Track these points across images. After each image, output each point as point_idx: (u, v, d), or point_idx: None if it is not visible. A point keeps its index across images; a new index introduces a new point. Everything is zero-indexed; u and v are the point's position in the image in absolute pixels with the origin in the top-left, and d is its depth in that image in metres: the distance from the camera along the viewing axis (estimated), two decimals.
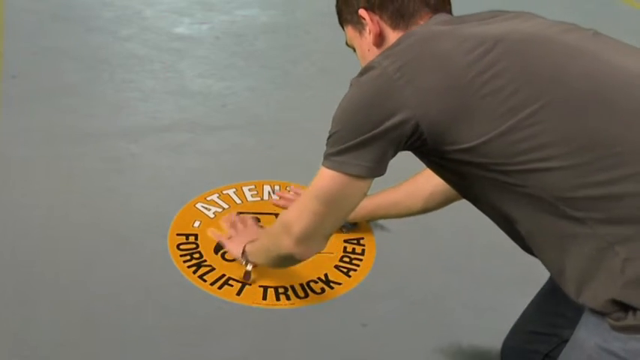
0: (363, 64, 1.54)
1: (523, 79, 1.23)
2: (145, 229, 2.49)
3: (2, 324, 2.07)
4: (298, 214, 1.60)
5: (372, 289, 2.33)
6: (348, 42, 1.63)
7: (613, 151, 1.20)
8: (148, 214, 2.55)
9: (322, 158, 1.47)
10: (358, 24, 1.53)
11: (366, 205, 2.34)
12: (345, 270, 2.37)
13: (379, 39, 1.48)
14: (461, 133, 1.26)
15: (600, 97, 1.23)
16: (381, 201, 2.33)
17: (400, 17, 1.45)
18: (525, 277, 2.18)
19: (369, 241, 2.50)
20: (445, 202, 2.13)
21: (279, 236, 1.69)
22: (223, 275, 2.31)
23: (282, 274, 2.32)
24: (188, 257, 2.38)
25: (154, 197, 2.67)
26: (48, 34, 3.94)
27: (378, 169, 1.40)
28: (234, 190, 2.74)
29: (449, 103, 1.26)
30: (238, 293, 2.24)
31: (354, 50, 1.62)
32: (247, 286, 2.26)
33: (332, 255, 2.42)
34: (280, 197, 2.64)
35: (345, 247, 2.46)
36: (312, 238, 1.62)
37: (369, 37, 1.50)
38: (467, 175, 1.35)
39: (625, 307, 1.23)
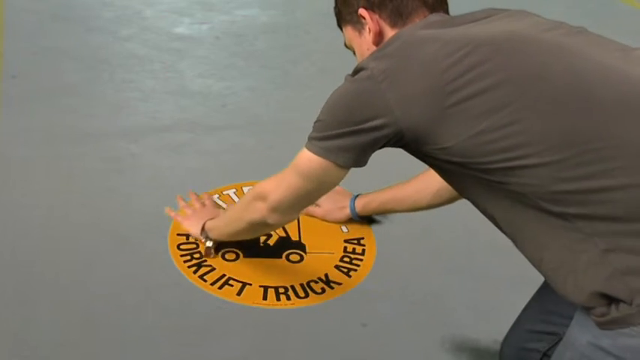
0: None
1: (503, 80, 1.25)
2: (145, 229, 2.49)
3: (2, 324, 2.07)
4: (276, 185, 1.75)
5: (373, 289, 2.33)
6: (347, 43, 1.65)
7: (592, 147, 1.22)
8: (148, 214, 2.55)
9: (307, 139, 1.58)
10: (357, 24, 1.54)
11: (375, 200, 2.39)
12: (345, 270, 2.37)
13: (379, 38, 1.50)
14: (439, 135, 1.30)
15: (580, 93, 1.25)
16: (390, 196, 2.37)
17: (398, 16, 1.48)
18: (525, 277, 2.17)
19: (370, 241, 2.50)
20: (451, 198, 2.14)
21: (253, 203, 1.85)
22: (224, 275, 2.31)
23: (283, 274, 2.33)
24: (188, 257, 2.38)
25: (154, 197, 2.67)
26: (48, 34, 3.94)
27: (357, 161, 1.49)
28: (234, 190, 2.74)
29: (428, 107, 1.29)
30: (238, 293, 2.24)
31: (354, 52, 1.63)
32: (248, 286, 2.26)
33: (332, 255, 2.42)
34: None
35: (345, 247, 2.46)
36: (286, 209, 1.78)
37: (368, 36, 1.52)
38: (449, 172, 1.39)
39: (608, 301, 1.24)
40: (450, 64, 1.27)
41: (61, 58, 3.69)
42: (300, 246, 2.46)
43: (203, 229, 2.28)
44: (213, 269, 2.33)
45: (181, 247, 2.42)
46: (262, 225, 1.89)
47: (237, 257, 2.39)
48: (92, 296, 2.20)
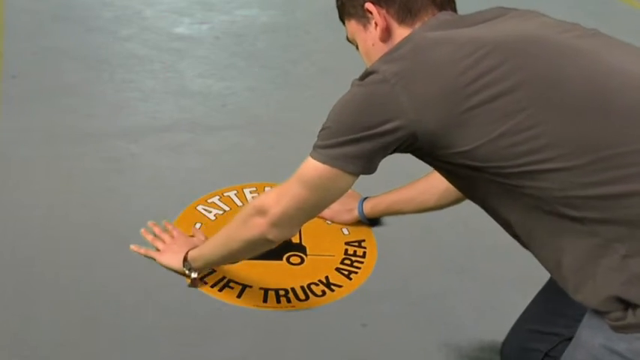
0: (366, 58, 1.53)
1: (520, 83, 1.24)
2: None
3: (2, 324, 2.07)
4: (278, 197, 1.64)
5: (373, 289, 2.33)
6: (349, 37, 1.62)
7: (611, 152, 1.20)
8: (148, 214, 2.55)
9: (311, 147, 1.51)
10: (363, 18, 1.52)
11: (383, 201, 2.38)
12: (346, 272, 2.37)
13: (385, 33, 1.47)
14: (456, 139, 1.28)
15: (599, 98, 1.23)
16: (397, 197, 2.36)
17: (407, 12, 1.45)
18: (525, 277, 2.17)
19: (371, 244, 2.50)
20: (458, 199, 2.12)
21: (250, 219, 1.71)
22: (224, 277, 2.31)
23: (283, 277, 2.32)
24: None
25: (154, 197, 2.67)
26: (48, 34, 3.94)
27: (366, 167, 1.44)
28: (235, 192, 2.74)
29: (444, 110, 1.27)
30: (239, 295, 2.24)
31: (357, 46, 1.60)
32: (248, 288, 2.26)
33: (333, 257, 2.42)
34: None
35: (346, 250, 2.46)
36: (287, 223, 1.66)
37: (374, 31, 1.49)
38: (462, 177, 1.36)
39: (625, 305, 1.23)
40: (466, 66, 1.25)
41: (61, 58, 3.69)
42: (300, 248, 2.46)
43: (185, 260, 2.14)
44: (214, 271, 2.33)
45: None
46: (262, 242, 1.75)
47: None
48: (92, 296, 2.20)
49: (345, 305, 2.26)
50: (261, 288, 2.27)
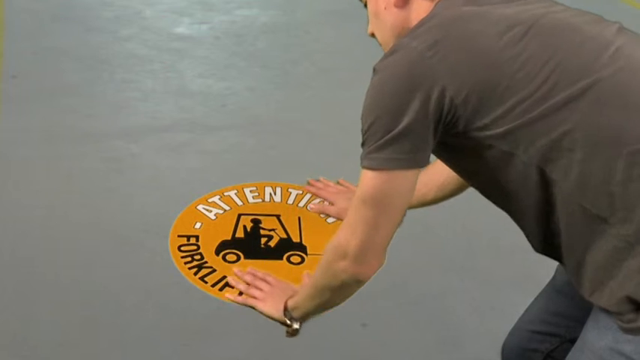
0: (374, 21, 1.42)
1: (554, 68, 1.20)
2: (145, 229, 2.49)
3: (2, 324, 2.07)
4: (350, 231, 1.46)
5: (373, 289, 2.32)
6: None
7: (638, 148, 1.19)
8: (148, 215, 2.55)
9: (361, 160, 1.36)
10: None
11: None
12: None
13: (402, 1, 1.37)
14: (493, 114, 1.23)
15: (627, 92, 1.22)
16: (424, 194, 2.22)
17: None
18: (525, 277, 2.18)
19: None
20: (456, 189, 2.05)
21: (333, 264, 1.54)
22: (224, 277, 2.31)
23: (284, 276, 2.32)
24: (189, 259, 2.38)
25: (154, 197, 2.67)
26: (48, 34, 3.95)
27: (421, 158, 1.31)
28: (235, 191, 2.73)
29: (483, 82, 1.22)
30: (239, 295, 2.23)
31: (365, 4, 1.49)
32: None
33: None
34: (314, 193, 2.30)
35: None
36: (371, 252, 1.47)
37: None
38: (485, 161, 1.31)
39: (637, 307, 1.22)
40: (505, 44, 1.22)
41: (61, 58, 3.69)
42: (301, 247, 2.45)
43: (285, 309, 1.93)
44: (214, 271, 2.32)
45: (182, 248, 2.42)
46: (354, 284, 1.56)
47: (238, 259, 2.38)
48: (92, 296, 2.20)
49: (345, 305, 2.25)
50: None
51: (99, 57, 3.75)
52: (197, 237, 2.47)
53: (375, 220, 1.42)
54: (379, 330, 2.17)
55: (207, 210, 2.61)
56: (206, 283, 2.27)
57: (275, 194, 2.72)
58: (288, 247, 2.44)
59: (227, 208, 2.64)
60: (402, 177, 1.34)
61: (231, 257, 2.38)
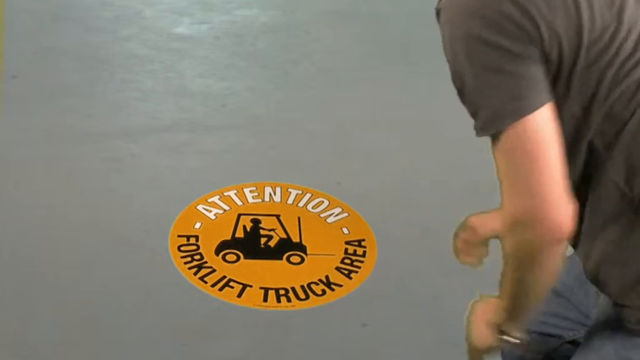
0: None
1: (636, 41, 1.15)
2: (145, 229, 2.49)
3: (2, 324, 2.07)
4: (507, 199, 1.24)
5: (373, 289, 2.33)
6: None
7: None
8: (148, 215, 2.55)
9: (478, 131, 1.23)
10: None
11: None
12: (346, 272, 2.37)
13: None
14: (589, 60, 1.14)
15: None
16: None
17: None
18: None
19: (371, 243, 2.50)
20: None
21: (519, 243, 1.31)
22: (224, 277, 2.31)
23: (283, 276, 2.32)
24: (189, 259, 2.38)
25: (154, 197, 2.67)
26: (48, 34, 3.94)
27: (542, 92, 1.15)
28: (235, 191, 2.74)
29: (575, 38, 1.13)
30: (239, 295, 2.24)
31: None
32: (248, 288, 2.26)
33: (333, 257, 2.42)
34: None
35: (346, 249, 2.46)
36: (547, 200, 1.19)
37: None
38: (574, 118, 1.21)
39: None
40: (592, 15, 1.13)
41: (61, 58, 3.69)
42: (301, 247, 2.46)
43: (495, 329, 1.61)
44: (214, 271, 2.33)
45: (182, 248, 2.42)
46: (551, 245, 1.25)
47: (238, 259, 2.39)
48: (92, 296, 2.20)
49: (345, 305, 2.26)
50: (261, 287, 2.27)
51: (99, 57, 3.75)
52: (197, 237, 2.48)
53: (526, 166, 1.19)
54: (379, 330, 2.17)
55: (207, 210, 2.61)
56: (206, 283, 2.28)
57: (275, 194, 2.72)
58: (288, 247, 2.44)
59: (227, 208, 2.64)
60: (532, 121, 1.15)
61: (231, 257, 2.39)
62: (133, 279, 2.28)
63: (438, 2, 1.20)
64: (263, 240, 2.48)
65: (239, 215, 2.55)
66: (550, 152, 1.18)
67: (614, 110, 1.18)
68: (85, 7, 4.38)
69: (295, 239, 2.50)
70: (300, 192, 2.74)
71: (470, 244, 1.73)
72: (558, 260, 1.29)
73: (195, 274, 2.33)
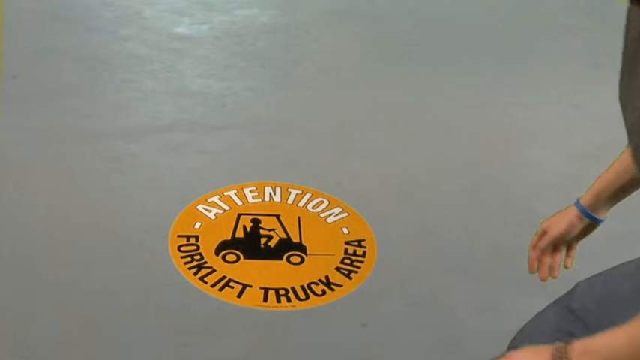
0: None
1: None
2: (145, 229, 2.49)
3: (2, 324, 2.07)
4: None
5: (373, 289, 2.33)
6: None
7: None
8: (148, 215, 2.55)
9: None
10: None
11: (604, 187, 1.76)
12: (346, 272, 2.37)
13: None
14: None
15: None
16: (614, 177, 1.80)
17: None
18: (525, 277, 2.17)
19: (371, 243, 2.50)
20: None
21: None
22: (224, 277, 2.31)
23: (283, 276, 2.32)
24: (189, 259, 2.39)
25: (154, 197, 2.67)
26: (48, 34, 3.94)
27: None
28: (235, 191, 2.74)
29: None
30: (239, 295, 2.24)
31: None
32: (248, 288, 2.27)
33: (333, 257, 2.42)
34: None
35: (346, 249, 2.46)
36: None
37: None
38: None
39: None
40: None
41: (61, 58, 3.69)
42: (301, 247, 2.46)
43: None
44: (214, 271, 2.33)
45: (182, 248, 2.42)
46: None
47: (238, 259, 2.39)
48: (92, 296, 2.20)
49: (345, 305, 2.26)
50: (261, 287, 2.27)
51: (99, 57, 3.75)
52: (197, 237, 2.48)
53: None
54: (379, 330, 2.17)
55: (207, 210, 2.61)
56: (206, 283, 2.28)
57: (275, 194, 2.72)
58: (287, 247, 2.45)
59: (227, 208, 2.64)
60: None
61: (230, 257, 2.39)
62: (133, 279, 2.28)
63: None
64: (263, 240, 2.48)
65: (239, 215, 2.55)
66: None
67: None
68: (85, 7, 4.38)
69: (295, 239, 2.50)
70: (300, 192, 2.74)
71: (540, 249, 1.69)
72: None
73: (195, 274, 2.34)
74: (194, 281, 2.29)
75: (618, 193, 1.82)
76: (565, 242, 1.69)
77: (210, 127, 3.19)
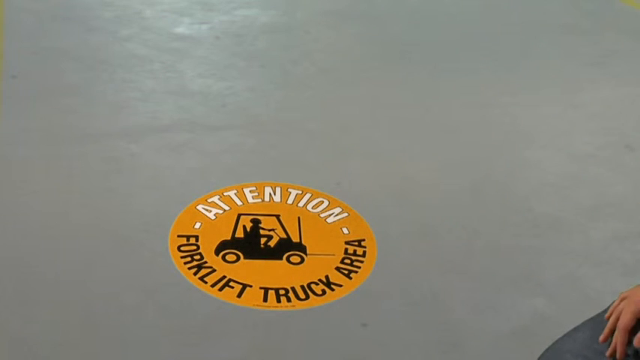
0: None
1: None
2: (144, 229, 2.49)
3: (2, 324, 2.07)
4: None
5: (373, 289, 2.33)
6: None
7: None
8: (148, 215, 2.55)
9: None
10: None
11: None
12: (346, 272, 2.37)
13: None
14: None
15: None
16: None
17: None
18: (525, 277, 2.18)
19: (371, 243, 2.50)
20: None
21: None
22: (224, 277, 2.31)
23: (283, 276, 2.32)
24: (189, 259, 2.39)
25: (154, 197, 2.67)
26: (48, 34, 3.94)
27: None
28: (235, 191, 2.74)
29: None
30: (239, 295, 2.24)
31: None
32: (248, 288, 2.26)
33: (333, 257, 2.42)
34: None
35: (346, 249, 2.46)
36: None
37: None
38: None
39: None
40: None
41: (61, 58, 3.69)
42: (301, 248, 2.46)
43: None
44: (214, 271, 2.33)
45: (181, 248, 2.42)
46: None
47: (238, 259, 2.39)
48: (92, 296, 2.20)
49: (345, 305, 2.26)
50: (261, 287, 2.27)
51: (99, 57, 3.75)
52: (197, 237, 2.48)
53: None
54: (379, 330, 2.17)
55: (207, 210, 2.61)
56: (206, 283, 2.28)
57: (275, 194, 2.73)
58: (287, 247, 2.45)
59: (227, 208, 2.64)
60: None
61: (230, 257, 2.39)
62: (133, 279, 2.28)
63: None
64: (263, 240, 2.48)
65: (239, 215, 2.55)
66: None
67: None
68: (85, 7, 4.38)
69: (295, 239, 2.50)
70: (300, 192, 2.74)
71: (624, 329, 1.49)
72: None
73: (195, 274, 2.34)
74: (194, 281, 2.29)
75: None
76: None
77: (210, 127, 3.19)
